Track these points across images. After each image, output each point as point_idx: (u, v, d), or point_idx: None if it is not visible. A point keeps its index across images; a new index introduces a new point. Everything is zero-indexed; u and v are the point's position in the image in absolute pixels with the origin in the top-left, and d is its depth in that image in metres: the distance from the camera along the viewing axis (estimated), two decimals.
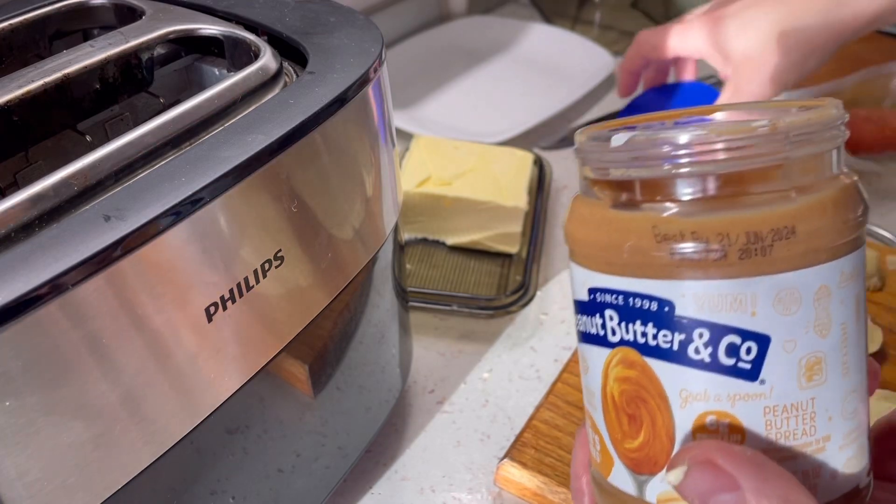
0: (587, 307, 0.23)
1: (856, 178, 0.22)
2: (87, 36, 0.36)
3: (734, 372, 0.20)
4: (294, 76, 0.32)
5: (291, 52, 0.33)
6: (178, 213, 0.23)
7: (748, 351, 0.20)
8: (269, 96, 0.29)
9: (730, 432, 0.21)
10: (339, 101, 0.29)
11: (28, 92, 0.28)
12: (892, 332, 0.48)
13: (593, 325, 0.23)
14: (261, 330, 0.28)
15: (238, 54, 0.33)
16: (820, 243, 0.20)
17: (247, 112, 0.28)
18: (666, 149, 0.20)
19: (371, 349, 0.39)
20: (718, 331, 0.20)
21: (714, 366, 0.20)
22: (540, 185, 0.63)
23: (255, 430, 0.32)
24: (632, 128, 0.24)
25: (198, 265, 0.25)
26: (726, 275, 0.20)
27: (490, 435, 0.46)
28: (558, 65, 0.84)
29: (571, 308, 0.26)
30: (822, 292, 0.21)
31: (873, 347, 0.46)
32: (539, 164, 0.65)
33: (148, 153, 0.26)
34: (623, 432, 0.23)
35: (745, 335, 0.20)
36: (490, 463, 0.44)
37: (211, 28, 0.33)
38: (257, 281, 0.27)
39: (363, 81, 0.30)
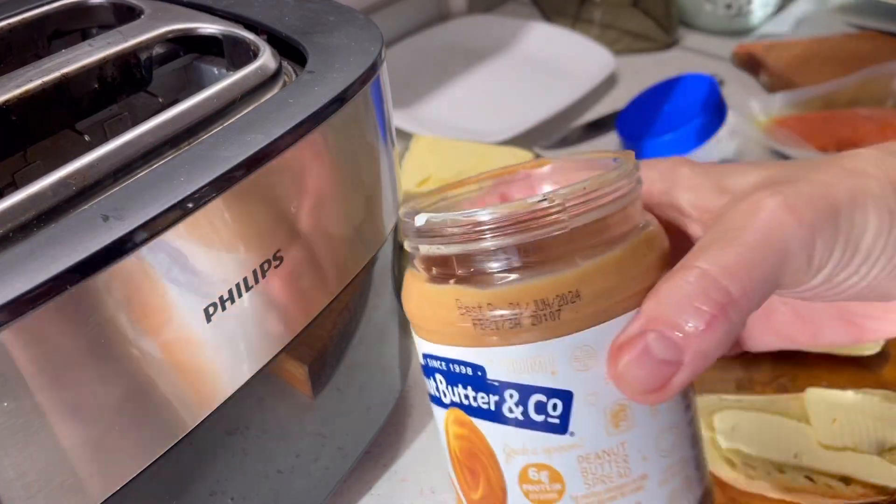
0: (425, 370, 0.25)
1: (651, 228, 0.23)
2: (85, 35, 0.36)
3: (545, 427, 0.22)
4: (293, 75, 0.32)
5: (291, 52, 0.33)
6: (176, 213, 0.23)
7: (554, 407, 0.22)
8: (269, 96, 0.29)
9: (550, 481, 0.22)
10: (339, 101, 0.29)
11: (27, 91, 0.28)
12: None
13: (430, 386, 0.25)
14: (260, 330, 0.28)
15: (237, 53, 0.33)
16: (606, 303, 0.22)
17: (246, 111, 0.28)
18: (455, 229, 0.22)
19: (371, 349, 0.39)
20: (526, 391, 0.22)
21: (527, 422, 0.22)
22: None
23: (255, 431, 0.31)
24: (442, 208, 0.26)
25: (197, 265, 0.25)
26: (524, 340, 0.22)
27: None
28: (558, 64, 0.84)
29: None
30: None
31: (874, 349, 0.46)
32: None
33: (147, 153, 0.25)
34: (468, 485, 0.25)
35: (550, 393, 0.22)
36: None
37: (210, 27, 0.33)
38: (257, 281, 0.27)
39: (363, 81, 0.30)
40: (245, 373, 0.28)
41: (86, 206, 0.23)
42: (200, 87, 0.30)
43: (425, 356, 0.25)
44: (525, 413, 0.22)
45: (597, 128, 0.73)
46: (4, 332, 0.20)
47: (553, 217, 0.21)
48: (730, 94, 0.81)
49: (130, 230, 0.22)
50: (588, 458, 0.22)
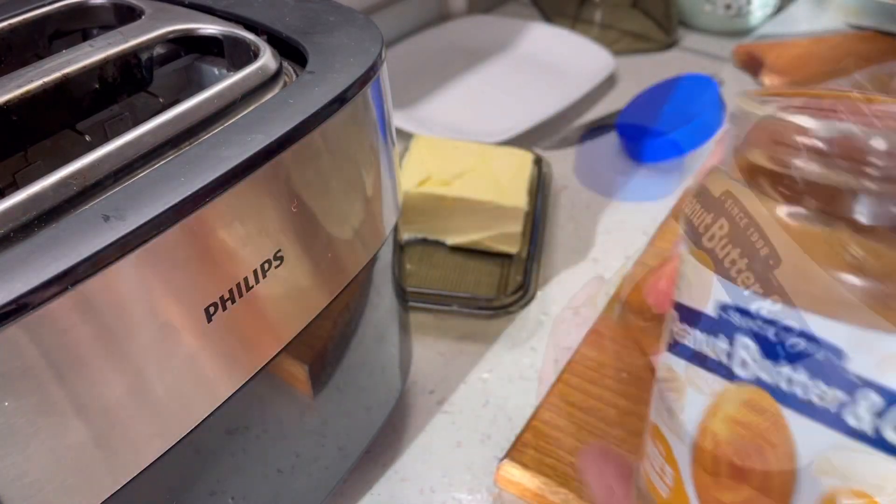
0: (709, 324, 0.18)
1: None
2: (86, 36, 0.36)
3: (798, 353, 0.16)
4: (294, 76, 0.32)
5: (291, 52, 0.33)
6: (177, 213, 0.23)
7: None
8: (269, 96, 0.29)
9: None
10: (339, 101, 0.29)
11: (27, 92, 0.28)
12: None
13: (712, 347, 0.18)
14: (260, 330, 0.28)
15: (237, 54, 0.33)
16: None
17: (246, 112, 0.28)
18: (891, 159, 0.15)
19: (371, 349, 0.39)
20: (893, 397, 0.16)
21: (875, 440, 0.16)
22: (540, 185, 0.63)
23: (255, 431, 0.31)
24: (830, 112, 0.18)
25: (197, 265, 0.25)
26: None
27: (490, 435, 0.46)
28: (558, 65, 0.84)
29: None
30: None
31: None
32: (539, 164, 0.65)
33: (147, 153, 0.25)
34: (718, 481, 0.19)
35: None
36: (490, 463, 0.44)
37: (210, 28, 0.33)
38: (257, 281, 0.27)
39: (363, 81, 0.30)
40: (245, 373, 0.28)
41: (86, 207, 0.23)
42: (201, 87, 0.30)
43: (724, 307, 0.18)
44: (878, 428, 0.16)
45: (597, 128, 0.73)
46: (5, 331, 0.20)
47: None
48: (730, 94, 0.81)
49: (131, 230, 0.22)
50: None
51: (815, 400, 0.16)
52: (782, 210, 0.17)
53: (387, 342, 0.41)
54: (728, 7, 0.90)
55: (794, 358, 0.17)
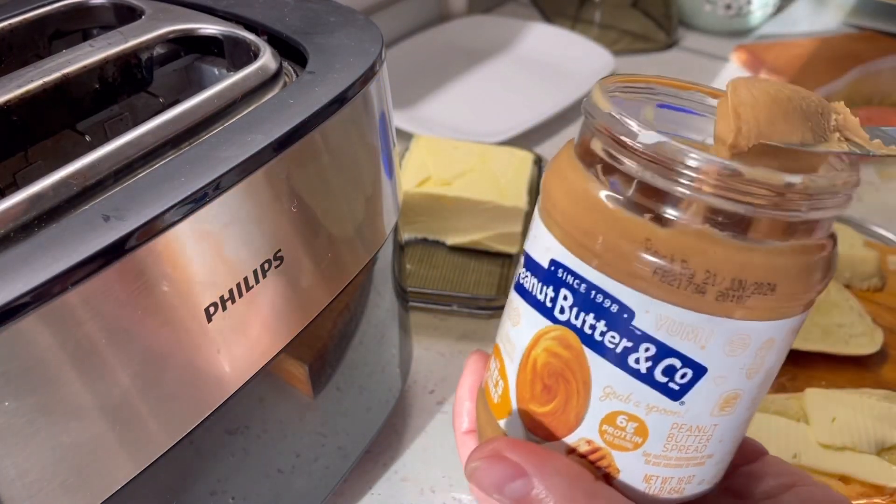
0: (542, 275, 0.22)
1: (836, 244, 0.22)
2: (86, 36, 0.36)
3: (662, 389, 0.21)
4: (294, 76, 0.32)
5: (291, 52, 0.33)
6: (177, 213, 0.23)
7: (683, 376, 0.21)
8: (269, 96, 0.29)
9: (634, 433, 0.22)
10: (339, 101, 0.29)
11: (27, 92, 0.28)
12: (892, 332, 0.48)
13: (542, 293, 0.22)
14: (261, 330, 0.28)
15: (238, 54, 0.33)
16: (789, 304, 0.21)
17: (246, 112, 0.28)
18: (692, 173, 0.19)
19: (371, 349, 0.39)
20: (665, 351, 0.21)
21: (646, 378, 0.21)
22: (540, 185, 0.63)
23: (255, 431, 0.31)
24: (661, 127, 0.22)
25: (197, 265, 0.25)
26: (695, 308, 0.20)
27: None
28: (558, 65, 0.84)
29: None
30: (768, 343, 0.21)
31: (873, 348, 0.46)
32: (539, 164, 0.65)
33: (147, 153, 0.26)
34: (532, 395, 0.23)
35: (687, 362, 0.21)
36: None
37: (210, 28, 0.33)
38: (257, 281, 0.27)
39: (363, 81, 0.30)
40: (245, 373, 0.28)
41: (87, 206, 0.23)
42: (201, 87, 0.30)
43: (555, 263, 0.22)
44: (650, 370, 0.21)
45: None
46: (5, 331, 0.20)
47: (797, 202, 0.19)
48: None
49: (131, 230, 0.22)
50: (682, 427, 0.22)
51: (608, 344, 0.21)
52: (604, 193, 0.21)
53: (387, 342, 0.41)
54: (728, 7, 0.90)
55: (598, 311, 0.21)
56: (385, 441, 0.45)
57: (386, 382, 0.42)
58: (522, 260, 0.24)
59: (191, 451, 0.28)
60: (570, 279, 0.21)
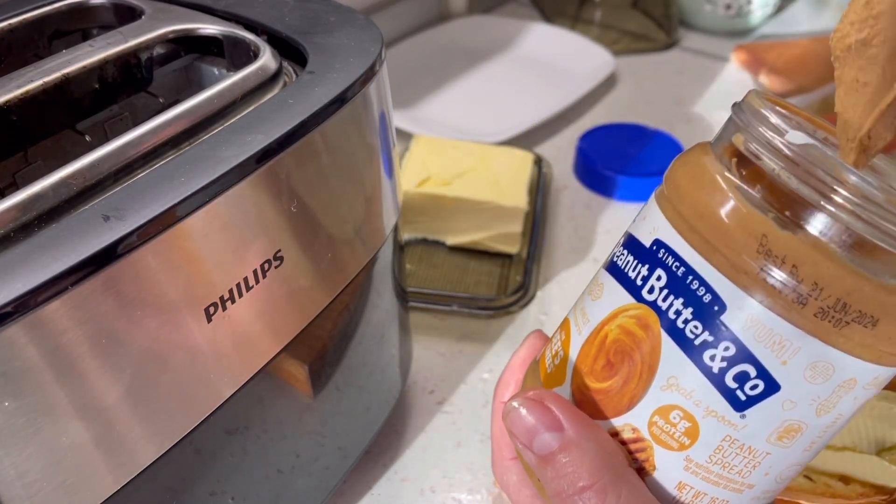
0: (641, 253, 0.22)
1: None
2: (86, 36, 0.36)
3: (728, 395, 0.20)
4: (294, 76, 0.32)
5: (291, 52, 0.33)
6: (177, 213, 0.23)
7: (753, 387, 0.20)
8: (269, 96, 0.29)
9: (684, 433, 0.21)
10: (339, 101, 0.29)
11: (27, 92, 0.28)
12: None
13: (636, 271, 0.22)
14: (260, 330, 0.28)
15: (237, 54, 0.33)
16: (886, 347, 0.20)
17: (246, 112, 0.28)
18: (836, 185, 0.19)
19: (371, 349, 0.39)
20: (744, 356, 0.20)
21: (716, 379, 0.20)
22: (540, 185, 0.63)
23: (255, 431, 0.31)
24: (813, 131, 0.22)
25: (197, 265, 0.25)
26: (791, 319, 0.19)
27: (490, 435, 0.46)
28: (558, 65, 0.84)
29: (586, 282, 0.26)
30: (849, 383, 0.20)
31: None
32: (539, 164, 0.65)
33: (147, 153, 0.26)
34: (591, 368, 0.22)
35: (762, 374, 0.20)
36: (490, 463, 0.44)
37: (210, 28, 0.33)
38: (257, 281, 0.27)
39: (363, 81, 0.30)
40: (245, 373, 0.28)
41: (86, 207, 0.23)
42: (201, 87, 0.30)
43: (657, 242, 0.21)
44: (723, 371, 0.20)
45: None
46: (5, 331, 0.20)
47: None
48: (730, 95, 0.81)
49: (131, 230, 0.22)
50: (734, 442, 0.21)
51: (689, 333, 0.20)
52: (734, 183, 0.21)
53: (387, 342, 0.41)
54: (728, 7, 0.90)
55: (690, 297, 0.20)
56: (385, 441, 0.45)
57: (386, 383, 0.42)
58: (622, 240, 0.23)
59: (191, 452, 0.28)
60: (669, 260, 0.21)
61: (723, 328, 0.20)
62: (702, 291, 0.20)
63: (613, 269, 0.23)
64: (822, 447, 0.22)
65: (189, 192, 0.23)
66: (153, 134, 0.26)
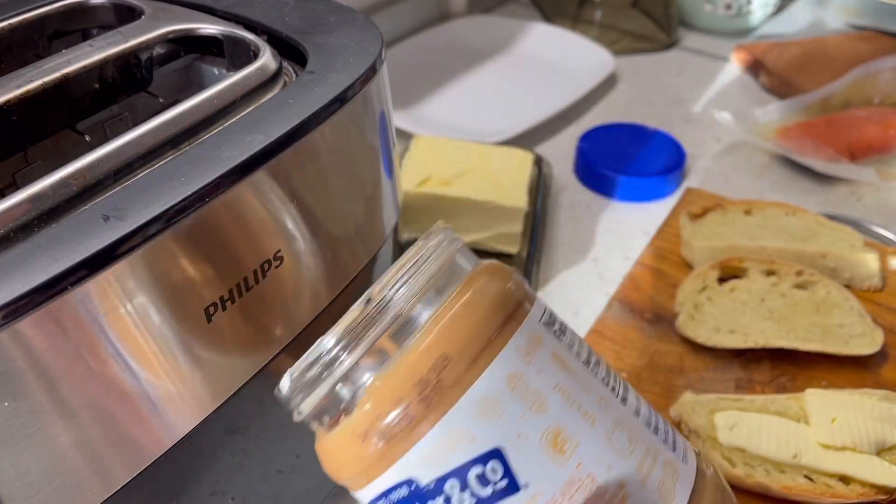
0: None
1: (480, 267, 0.23)
2: (86, 36, 0.36)
3: (500, 496, 0.21)
4: (294, 76, 0.32)
5: (291, 52, 0.33)
6: (177, 213, 0.23)
7: (494, 471, 0.21)
8: (269, 96, 0.29)
9: None
10: (339, 101, 0.29)
11: (27, 92, 0.28)
12: (892, 332, 0.48)
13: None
14: (261, 330, 0.28)
15: (237, 54, 0.33)
16: (474, 351, 0.21)
17: (246, 112, 0.28)
18: (315, 367, 0.22)
19: None
20: (460, 473, 0.21)
21: (483, 502, 0.21)
22: (540, 185, 0.63)
23: (255, 431, 0.31)
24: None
25: (197, 265, 0.25)
26: (427, 428, 0.21)
27: None
28: (558, 65, 0.84)
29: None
30: (512, 380, 0.21)
31: (873, 348, 0.46)
32: (539, 164, 0.65)
33: (147, 153, 0.26)
34: None
35: (481, 460, 0.21)
36: None
37: (210, 28, 0.33)
38: (257, 281, 0.27)
39: (363, 81, 0.30)
40: (245, 373, 0.28)
41: (86, 207, 0.23)
42: (201, 87, 0.30)
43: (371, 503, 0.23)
44: (473, 494, 0.21)
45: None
46: (5, 331, 0.20)
47: (384, 308, 0.22)
48: (730, 95, 0.81)
49: (131, 230, 0.22)
50: (555, 499, 0.21)
51: None
52: (324, 432, 0.24)
53: None
54: (728, 7, 0.90)
55: (407, 502, 0.22)
56: None
57: None
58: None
59: (190, 452, 0.28)
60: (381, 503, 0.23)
61: (431, 486, 0.21)
62: (400, 492, 0.22)
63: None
64: (598, 394, 0.23)
65: (189, 192, 0.23)
66: (153, 134, 0.26)
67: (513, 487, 0.21)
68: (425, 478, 0.21)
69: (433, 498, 0.21)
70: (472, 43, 0.88)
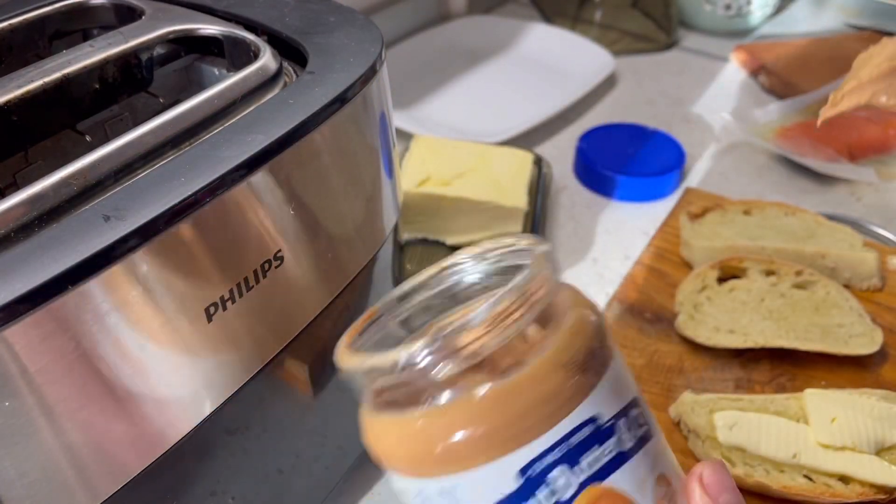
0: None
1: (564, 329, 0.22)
2: (86, 36, 0.36)
3: (642, 442, 0.22)
4: (294, 76, 0.32)
5: (291, 52, 0.33)
6: (177, 213, 0.23)
7: (641, 415, 0.22)
8: (269, 96, 0.29)
9: None
10: (339, 101, 0.29)
11: (28, 92, 0.28)
12: (892, 332, 0.48)
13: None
14: (261, 330, 0.28)
15: (238, 54, 0.33)
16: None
17: (247, 112, 0.28)
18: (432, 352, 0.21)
19: None
20: (626, 412, 0.22)
21: (640, 440, 0.22)
22: (540, 185, 0.63)
23: (255, 431, 0.32)
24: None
25: (197, 265, 0.25)
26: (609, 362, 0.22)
27: None
28: (558, 65, 0.84)
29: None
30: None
31: (873, 348, 0.46)
32: (539, 164, 0.65)
33: (147, 153, 0.26)
34: None
35: (633, 404, 0.22)
36: None
37: (210, 28, 0.33)
38: (257, 281, 0.27)
39: (363, 81, 0.30)
40: (245, 373, 0.28)
41: (87, 207, 0.23)
42: (201, 87, 0.30)
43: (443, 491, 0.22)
44: (634, 436, 0.22)
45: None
46: (6, 331, 0.20)
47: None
48: (729, 95, 0.81)
49: (131, 230, 0.22)
50: (662, 443, 0.22)
51: None
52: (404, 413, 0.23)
53: None
54: (728, 7, 0.90)
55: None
56: None
57: None
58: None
59: (191, 452, 0.28)
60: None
61: None
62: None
63: None
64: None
65: (189, 192, 0.24)
66: (153, 134, 0.26)
67: (651, 432, 0.22)
68: (606, 415, 0.21)
69: (609, 437, 0.21)
70: (472, 43, 0.88)
